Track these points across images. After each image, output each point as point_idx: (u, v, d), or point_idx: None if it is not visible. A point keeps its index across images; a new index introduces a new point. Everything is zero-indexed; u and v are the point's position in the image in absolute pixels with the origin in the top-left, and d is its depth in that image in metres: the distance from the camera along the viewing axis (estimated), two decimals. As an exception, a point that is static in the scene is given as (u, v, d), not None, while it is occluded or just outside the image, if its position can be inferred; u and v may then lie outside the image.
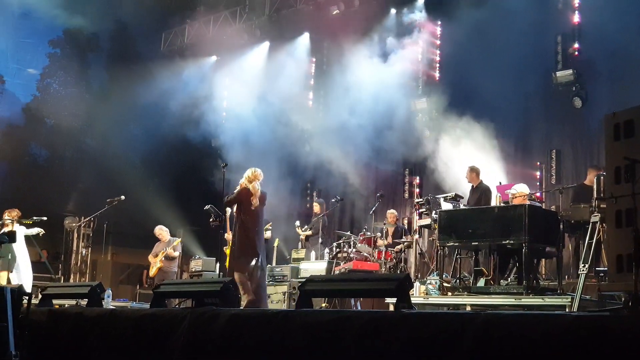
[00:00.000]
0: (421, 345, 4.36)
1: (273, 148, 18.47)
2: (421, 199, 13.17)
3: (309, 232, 15.67)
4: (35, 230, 13.95)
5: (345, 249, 13.86)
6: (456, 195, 12.01)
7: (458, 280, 10.14)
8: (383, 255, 13.38)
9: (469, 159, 14.22)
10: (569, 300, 8.08)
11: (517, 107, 15.33)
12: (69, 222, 17.97)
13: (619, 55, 13.91)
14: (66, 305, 9.82)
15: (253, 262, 9.91)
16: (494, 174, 13.41)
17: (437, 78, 17.25)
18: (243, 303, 9.75)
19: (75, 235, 17.85)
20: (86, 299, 7.86)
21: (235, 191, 10.20)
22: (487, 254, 10.18)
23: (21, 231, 13.52)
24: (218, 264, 12.84)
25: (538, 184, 14.63)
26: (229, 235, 12.42)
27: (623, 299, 7.33)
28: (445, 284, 9.93)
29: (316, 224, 15.46)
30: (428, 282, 10.23)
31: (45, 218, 14.61)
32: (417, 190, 17.32)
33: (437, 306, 9.80)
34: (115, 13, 18.40)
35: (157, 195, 20.64)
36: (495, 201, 11.48)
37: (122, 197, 15.29)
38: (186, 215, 19.32)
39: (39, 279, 16.70)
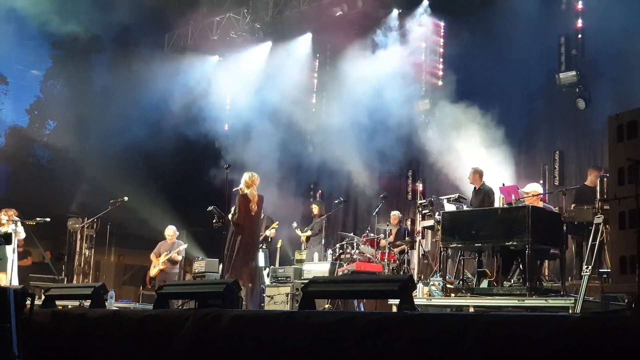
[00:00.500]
0: (424, 346, 4.36)
1: (276, 149, 18.47)
2: (424, 201, 13.18)
3: (308, 233, 15.67)
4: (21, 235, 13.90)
5: (348, 250, 13.87)
6: (459, 196, 12.01)
7: (461, 282, 10.12)
8: (386, 257, 13.38)
9: (472, 161, 14.22)
10: (572, 301, 8.08)
11: (521, 109, 15.32)
12: (72, 223, 17.98)
13: (623, 57, 13.90)
14: (69, 307, 9.83)
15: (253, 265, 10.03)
16: (497, 176, 13.39)
17: (441, 80, 17.23)
18: (245, 304, 9.80)
19: (79, 236, 17.87)
20: (89, 300, 7.86)
21: (240, 207, 10.24)
22: (490, 255, 10.17)
23: (19, 230, 13.47)
24: (221, 265, 12.84)
25: (541, 185, 14.60)
26: None
27: (626, 300, 7.32)
28: (448, 286, 9.92)
29: (317, 225, 15.47)
30: (431, 283, 10.22)
31: (48, 219, 14.60)
32: (420, 191, 17.30)
33: (440, 307, 9.80)
34: (118, 14, 18.41)
35: (160, 196, 20.65)
36: (498, 202, 11.46)
37: (126, 198, 15.30)
38: (189, 216, 19.33)
39: (43, 280, 16.74)
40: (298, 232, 15.89)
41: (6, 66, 20.99)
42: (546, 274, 11.64)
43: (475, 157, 14.51)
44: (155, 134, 19.65)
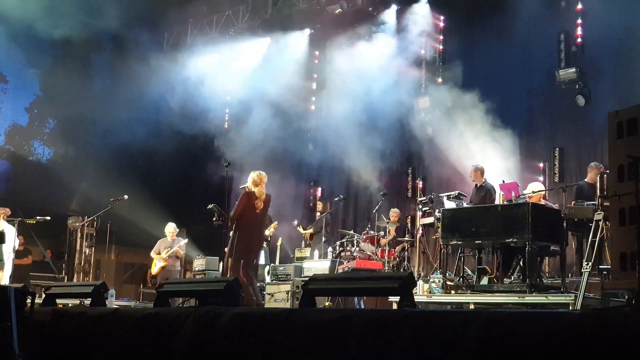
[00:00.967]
0: (424, 343, 4.36)
1: (276, 147, 18.47)
2: (424, 198, 13.19)
3: (311, 231, 15.68)
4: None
5: (348, 248, 13.88)
6: (459, 193, 12.03)
7: (461, 279, 10.13)
8: (386, 254, 13.38)
9: (472, 158, 14.23)
10: (573, 298, 8.08)
11: (521, 106, 15.33)
12: (72, 221, 17.99)
13: (622, 53, 13.91)
14: (70, 305, 9.84)
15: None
16: (497, 172, 13.39)
17: (440, 77, 17.22)
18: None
19: (79, 234, 17.87)
20: (90, 299, 7.87)
21: (238, 203, 10.23)
22: (491, 252, 10.18)
23: (10, 230, 13.41)
24: (221, 263, 12.85)
25: (542, 182, 14.60)
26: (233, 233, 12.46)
27: (626, 297, 7.32)
28: (448, 283, 9.93)
29: (319, 223, 15.48)
30: (431, 280, 10.23)
31: (48, 218, 14.61)
32: (420, 188, 17.29)
33: (441, 305, 9.81)
34: (118, 13, 18.39)
35: (160, 195, 20.64)
36: (498, 199, 11.47)
37: (126, 197, 15.31)
38: (189, 214, 19.33)
39: (43, 279, 16.75)
40: (300, 229, 15.88)
41: (5, 65, 20.98)
42: (546, 270, 11.64)
43: (475, 154, 14.52)
44: (155, 132, 19.64)
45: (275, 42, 19.71)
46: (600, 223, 7.98)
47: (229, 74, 20.50)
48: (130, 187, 16.92)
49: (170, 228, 14.71)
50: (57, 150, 22.98)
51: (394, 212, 14.94)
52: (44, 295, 8.42)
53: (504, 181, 12.02)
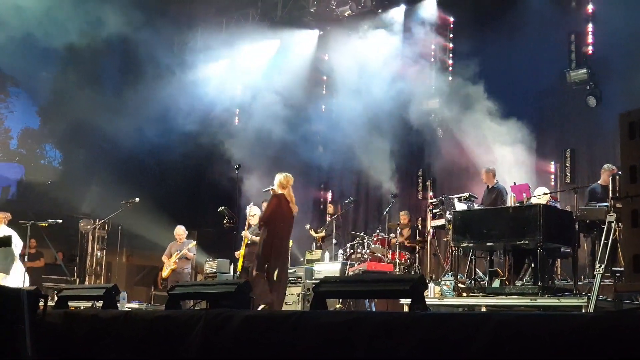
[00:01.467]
0: (436, 346, 4.35)
1: (286, 149, 18.46)
2: (435, 200, 13.17)
3: (323, 233, 15.68)
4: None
5: (359, 250, 13.87)
6: (470, 195, 11.99)
7: (473, 281, 10.11)
8: (397, 256, 13.36)
9: (483, 159, 14.20)
10: (585, 300, 8.05)
11: (531, 107, 15.28)
12: (83, 224, 18.04)
13: (633, 54, 13.83)
14: (82, 307, 9.86)
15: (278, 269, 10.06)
16: (508, 174, 13.36)
17: (450, 78, 17.20)
18: (262, 305, 9.85)
19: (90, 237, 17.92)
20: (101, 301, 7.89)
21: (268, 206, 10.23)
22: (502, 254, 10.15)
23: (13, 234, 13.44)
24: (232, 266, 12.86)
25: (553, 183, 14.56)
26: (246, 233, 12.48)
27: None
28: (460, 285, 9.90)
29: (330, 225, 15.48)
30: (443, 283, 10.21)
31: (60, 221, 14.68)
32: (430, 190, 17.27)
33: (452, 307, 9.78)
34: (127, 17, 18.43)
35: (170, 197, 20.66)
36: (510, 201, 11.43)
37: (137, 199, 15.34)
38: (200, 216, 19.35)
39: (55, 281, 16.80)
40: (312, 232, 15.89)
41: (17, 69, 21.05)
42: (558, 273, 11.60)
43: (486, 156, 14.50)
44: (164, 135, 19.68)
45: (284, 44, 19.72)
46: (613, 225, 7.94)
47: (238, 77, 20.54)
48: (141, 190, 16.96)
49: (180, 231, 14.74)
50: (68, 154, 23.02)
51: (405, 214, 14.92)
52: (56, 298, 8.44)
53: (515, 183, 11.98)
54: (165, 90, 20.05)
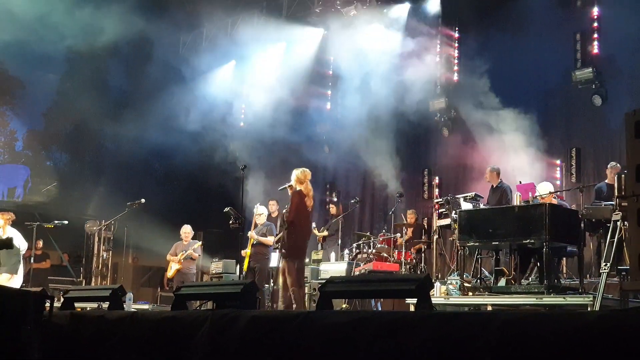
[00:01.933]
0: (442, 345, 4.35)
1: (292, 149, 18.48)
2: (441, 199, 13.16)
3: (325, 233, 15.68)
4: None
5: (365, 250, 13.87)
6: (476, 195, 11.99)
7: (479, 280, 10.10)
8: (403, 256, 13.36)
9: (488, 158, 14.19)
10: (591, 299, 8.03)
11: (537, 106, 15.25)
12: (89, 225, 18.08)
13: (639, 53, 13.81)
14: (88, 309, 9.88)
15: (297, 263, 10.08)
16: (513, 173, 13.35)
17: (456, 78, 17.19)
18: (281, 304, 9.88)
19: (96, 238, 17.95)
20: (107, 302, 7.90)
21: (293, 204, 10.20)
22: (508, 253, 10.14)
23: (17, 235, 13.54)
24: (238, 266, 12.87)
25: (558, 182, 14.55)
26: (252, 233, 12.51)
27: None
28: (466, 284, 9.90)
29: (334, 225, 15.47)
30: (449, 282, 10.20)
31: (66, 222, 14.71)
32: (436, 190, 17.26)
33: (458, 306, 9.78)
34: (134, 17, 18.47)
35: (176, 198, 20.69)
36: (516, 200, 11.42)
37: (143, 200, 15.36)
38: (205, 217, 19.37)
39: (61, 283, 16.84)
40: (315, 231, 15.90)
41: (22, 70, 21.11)
42: (564, 271, 11.59)
43: (491, 155, 14.48)
44: (170, 135, 19.72)
45: (289, 43, 19.73)
46: (619, 223, 7.93)
47: (244, 77, 20.57)
48: (147, 191, 16.99)
49: (186, 229, 14.73)
50: (74, 155, 23.09)
51: (411, 214, 14.92)
52: (62, 299, 8.45)
53: (520, 182, 11.96)
54: (170, 91, 20.10)
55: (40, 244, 16.95)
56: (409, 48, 16.99)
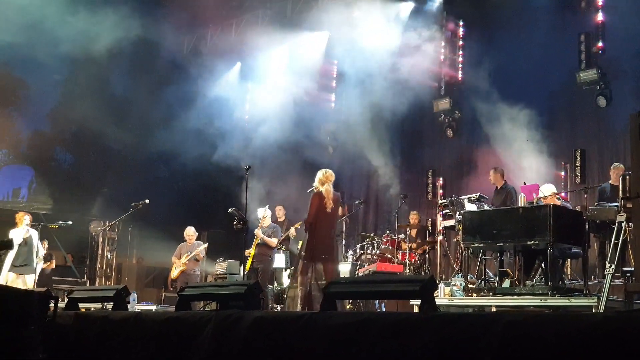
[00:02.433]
0: (446, 347, 4.34)
1: (296, 150, 18.48)
2: (445, 200, 13.15)
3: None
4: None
5: (369, 251, 13.87)
6: (480, 196, 11.97)
7: (483, 282, 10.09)
8: (407, 257, 13.36)
9: (492, 159, 14.17)
10: (596, 300, 8.02)
11: (541, 107, 15.22)
12: (94, 226, 18.11)
13: (644, 54, 13.80)
14: (92, 309, 9.89)
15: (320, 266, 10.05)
16: (518, 174, 13.33)
17: (460, 78, 17.18)
18: (299, 307, 9.89)
19: (101, 239, 17.99)
20: (112, 303, 7.91)
21: (311, 205, 10.19)
22: (512, 254, 10.13)
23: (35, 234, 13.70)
24: (242, 267, 12.88)
25: (563, 183, 14.53)
26: (258, 232, 12.54)
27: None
28: (470, 285, 9.89)
29: (337, 226, 15.46)
30: (453, 283, 10.20)
31: (70, 222, 14.73)
32: (440, 191, 17.25)
33: (462, 308, 9.77)
34: (138, 18, 18.49)
35: (180, 198, 20.70)
36: (520, 202, 11.41)
37: (147, 201, 15.38)
38: (209, 218, 19.38)
39: (65, 283, 16.87)
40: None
41: (27, 71, 21.13)
42: (568, 273, 11.57)
43: (495, 156, 14.47)
44: (175, 136, 19.73)
45: (294, 44, 19.73)
46: (623, 225, 7.91)
47: (248, 78, 20.58)
48: (151, 192, 16.99)
49: (190, 232, 14.76)
50: (78, 156, 23.11)
51: (414, 215, 14.91)
52: (66, 300, 8.46)
53: (525, 183, 11.95)
54: (174, 92, 20.11)
55: (45, 244, 16.97)
56: (413, 49, 16.98)
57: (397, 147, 17.78)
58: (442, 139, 17.28)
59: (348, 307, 11.83)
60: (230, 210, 13.05)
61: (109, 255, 18.02)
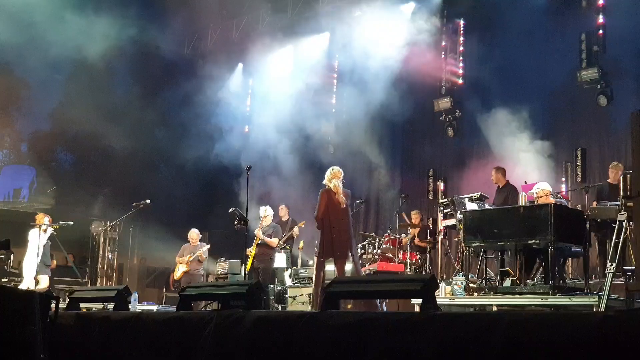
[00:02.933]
0: (446, 346, 4.35)
1: (297, 150, 18.48)
2: (446, 200, 13.13)
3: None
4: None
5: (370, 250, 13.86)
6: (481, 195, 11.95)
7: (484, 281, 10.08)
8: (408, 256, 13.35)
9: (493, 159, 14.17)
10: (596, 299, 8.01)
11: (542, 106, 15.23)
12: (95, 226, 18.11)
13: (645, 52, 13.80)
14: (93, 309, 9.90)
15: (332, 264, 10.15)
16: (519, 173, 13.33)
17: (461, 78, 17.17)
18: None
19: (102, 239, 17.99)
20: (113, 303, 7.92)
21: (319, 202, 10.24)
22: (513, 254, 10.12)
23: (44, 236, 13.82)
24: (243, 267, 12.88)
25: (564, 182, 14.53)
26: (258, 232, 12.55)
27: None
28: (471, 285, 9.88)
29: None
30: (454, 282, 10.18)
31: (71, 223, 14.74)
32: (441, 190, 17.23)
33: (463, 307, 9.76)
34: (139, 18, 18.51)
35: (181, 198, 20.70)
36: (521, 201, 11.40)
37: (148, 201, 15.38)
38: (210, 218, 19.38)
39: (67, 283, 16.86)
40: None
41: (29, 71, 21.14)
42: (569, 272, 11.57)
43: (496, 155, 14.47)
44: (176, 136, 19.73)
45: (295, 46, 19.73)
46: (624, 224, 7.91)
47: (249, 78, 20.58)
48: (152, 192, 17.00)
49: (193, 234, 14.80)
50: (79, 156, 23.13)
51: (416, 214, 14.90)
52: (67, 300, 8.47)
53: (526, 182, 11.94)
54: (175, 92, 20.12)
55: (47, 244, 16.99)
56: (414, 49, 16.97)
57: (398, 147, 17.78)
58: (443, 139, 17.26)
59: (349, 306, 11.82)
60: (231, 210, 13.05)
61: (110, 256, 18.02)
